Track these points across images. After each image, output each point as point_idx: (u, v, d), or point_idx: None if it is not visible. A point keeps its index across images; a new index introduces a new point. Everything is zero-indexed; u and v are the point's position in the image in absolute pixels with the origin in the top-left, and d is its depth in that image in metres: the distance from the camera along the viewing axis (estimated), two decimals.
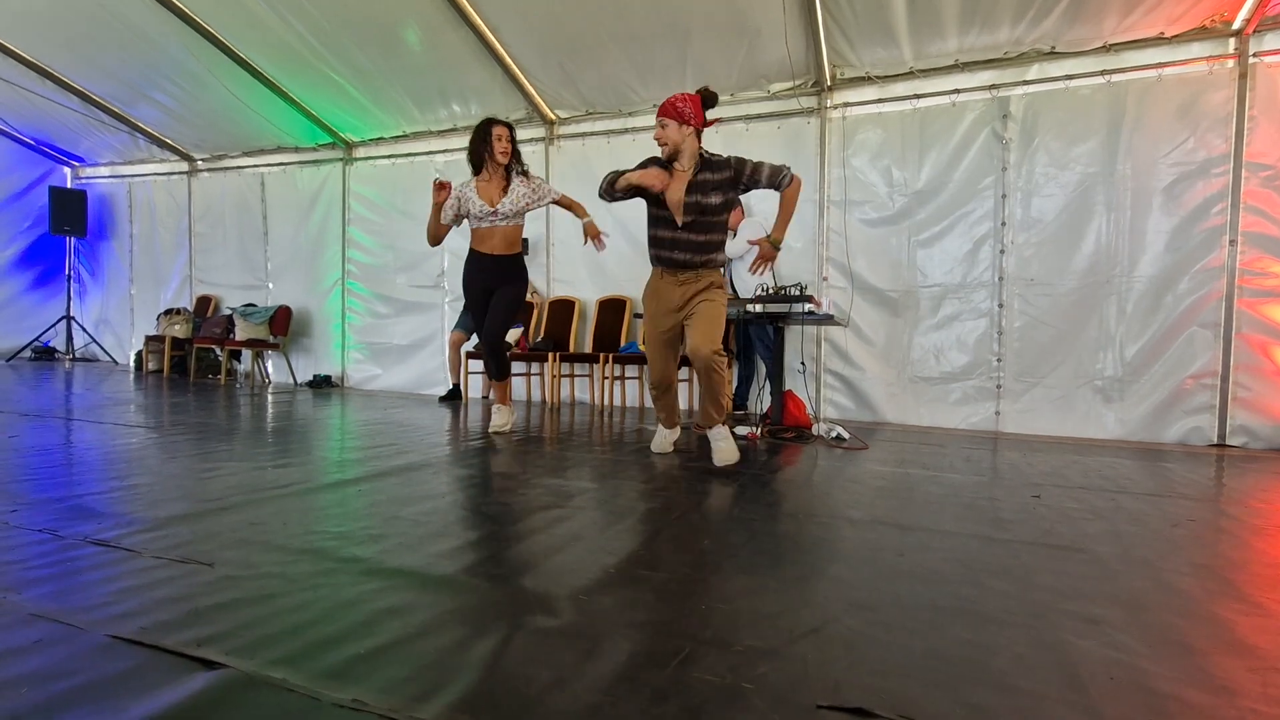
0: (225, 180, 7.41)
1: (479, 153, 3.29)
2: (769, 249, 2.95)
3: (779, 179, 2.80)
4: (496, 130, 3.28)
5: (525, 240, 5.86)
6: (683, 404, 5.28)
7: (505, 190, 3.31)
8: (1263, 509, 2.40)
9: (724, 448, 2.86)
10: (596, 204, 3.19)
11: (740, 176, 2.78)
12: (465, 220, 3.44)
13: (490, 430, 3.67)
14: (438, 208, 3.29)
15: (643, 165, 2.85)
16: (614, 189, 2.80)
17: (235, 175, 7.35)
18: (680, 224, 2.81)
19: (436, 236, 3.43)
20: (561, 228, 5.75)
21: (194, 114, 6.65)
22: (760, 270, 3.04)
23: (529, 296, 5.83)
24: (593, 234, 3.40)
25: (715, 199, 2.77)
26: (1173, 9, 3.93)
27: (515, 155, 3.39)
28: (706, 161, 2.79)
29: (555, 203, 3.53)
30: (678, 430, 3.21)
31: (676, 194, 2.78)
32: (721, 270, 2.97)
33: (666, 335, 2.96)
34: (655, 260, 2.96)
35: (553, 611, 1.28)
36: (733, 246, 4.63)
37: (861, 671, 1.08)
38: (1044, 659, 1.14)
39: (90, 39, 5.69)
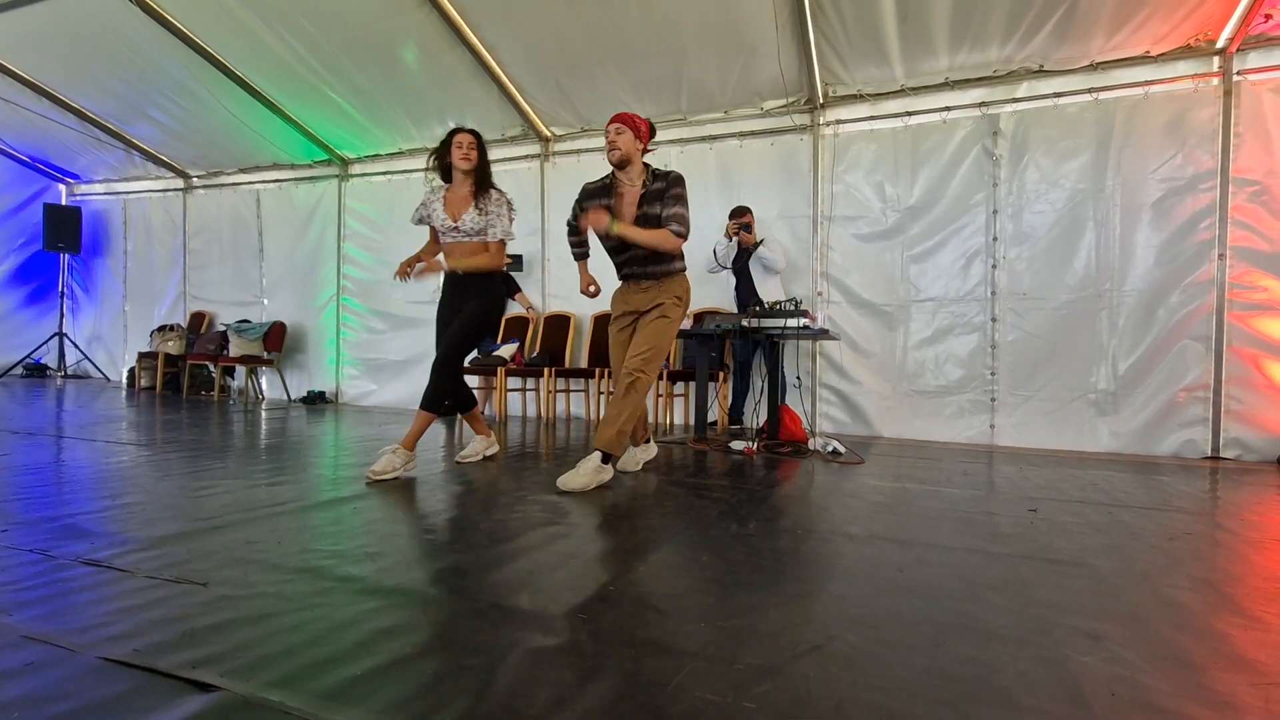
0: (221, 197, 7.42)
1: (444, 160, 3.06)
2: (602, 224, 2.69)
3: (668, 224, 2.71)
4: (458, 138, 3.02)
5: (519, 256, 5.93)
6: (652, 417, 5.27)
7: (473, 204, 3.01)
8: (1258, 522, 2.41)
9: (576, 472, 2.58)
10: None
11: (666, 192, 2.75)
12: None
13: (457, 458, 3.29)
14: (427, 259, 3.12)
15: (586, 197, 2.90)
16: (575, 236, 3.03)
17: (231, 192, 7.36)
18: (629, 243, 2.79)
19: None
20: (558, 244, 5.77)
21: (191, 131, 6.68)
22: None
23: (524, 311, 5.85)
24: (525, 304, 3.29)
25: (658, 209, 2.74)
26: (1158, 28, 4.01)
27: (481, 168, 3.05)
28: (655, 173, 2.82)
29: (493, 239, 3.05)
30: (646, 446, 3.14)
31: (628, 212, 2.79)
32: (678, 274, 2.88)
33: (624, 336, 2.93)
34: (619, 277, 2.98)
35: (551, 630, 1.27)
36: (770, 255, 4.66)
37: (864, 690, 1.07)
38: (1046, 675, 1.14)
39: (89, 58, 5.72)
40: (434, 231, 3.14)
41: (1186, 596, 1.57)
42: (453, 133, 3.05)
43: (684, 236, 2.73)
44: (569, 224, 3.08)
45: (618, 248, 2.86)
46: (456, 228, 3.01)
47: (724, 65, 4.79)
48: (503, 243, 3.06)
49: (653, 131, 2.86)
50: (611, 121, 2.78)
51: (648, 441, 3.18)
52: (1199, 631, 1.36)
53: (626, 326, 2.94)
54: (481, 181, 3.05)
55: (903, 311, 4.77)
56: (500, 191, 3.08)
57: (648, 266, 2.83)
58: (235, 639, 1.19)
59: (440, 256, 3.12)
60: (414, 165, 6.38)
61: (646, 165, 2.84)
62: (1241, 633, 1.36)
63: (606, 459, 2.65)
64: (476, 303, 3.04)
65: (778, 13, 4.27)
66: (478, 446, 3.32)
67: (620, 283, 3.01)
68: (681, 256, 2.89)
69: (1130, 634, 1.33)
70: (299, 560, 1.65)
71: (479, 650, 1.17)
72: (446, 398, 3.02)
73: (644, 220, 2.75)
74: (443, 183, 3.12)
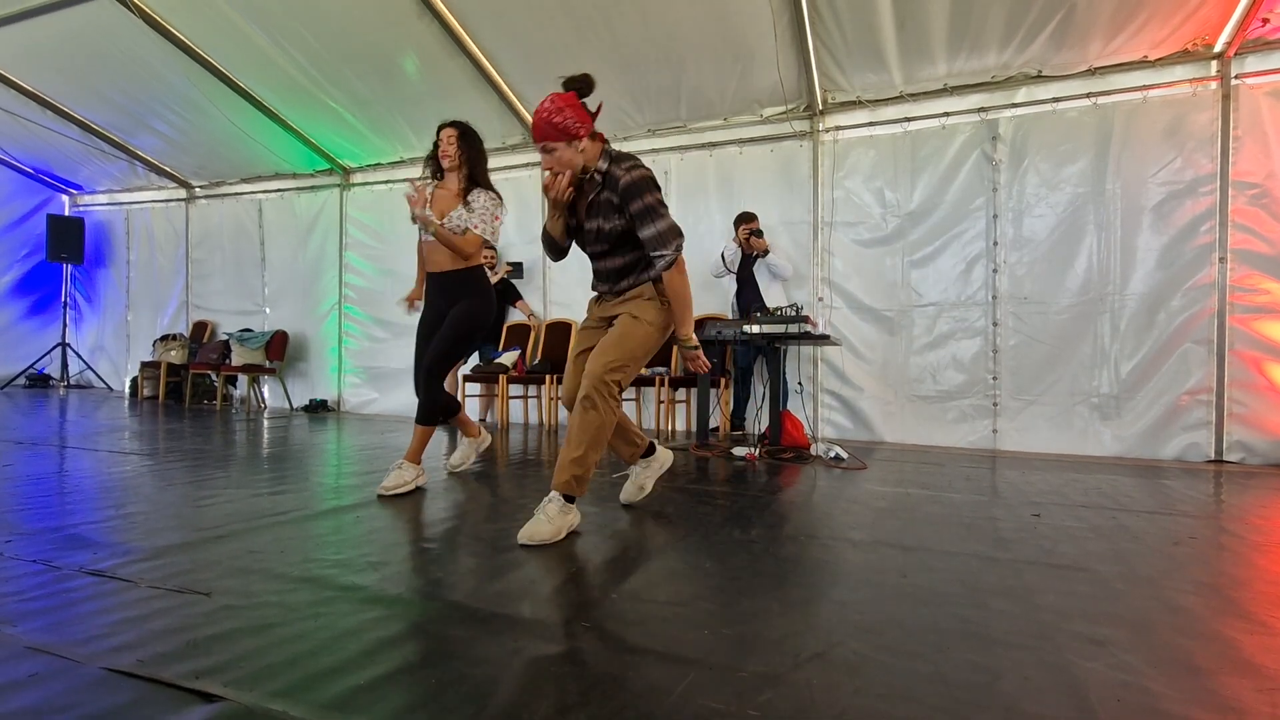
0: (223, 207, 7.46)
1: (431, 156, 2.91)
2: (691, 355, 2.30)
3: (654, 251, 2.10)
4: (441, 132, 2.85)
5: (520, 264, 5.94)
6: (645, 424, 5.26)
7: (461, 203, 2.81)
8: (1263, 525, 2.40)
9: (537, 521, 2.01)
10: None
11: (624, 206, 2.13)
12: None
13: (446, 467, 3.20)
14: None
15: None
16: (547, 237, 2.33)
17: (233, 202, 7.39)
18: (590, 254, 2.33)
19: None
20: None
21: (193, 142, 6.71)
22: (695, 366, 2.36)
23: (525, 319, 5.85)
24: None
25: (613, 223, 2.16)
26: (1156, 33, 4.02)
27: (470, 162, 2.83)
28: (604, 175, 2.17)
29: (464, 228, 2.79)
30: (657, 458, 2.56)
31: (580, 216, 2.28)
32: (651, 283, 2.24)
33: (579, 351, 2.35)
34: (591, 287, 2.43)
35: (554, 639, 1.27)
36: (780, 264, 4.67)
37: (868, 697, 1.07)
38: (1051, 681, 1.14)
39: (92, 70, 5.76)
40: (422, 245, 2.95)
41: (1191, 601, 1.56)
42: (439, 127, 2.88)
43: (679, 256, 2.12)
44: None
45: (591, 255, 2.32)
46: (441, 225, 2.75)
47: (723, 73, 4.81)
48: (479, 239, 2.79)
49: (581, 92, 2.20)
50: (536, 142, 2.17)
51: (650, 454, 2.54)
52: (1204, 636, 1.35)
53: (587, 345, 2.31)
54: (473, 177, 2.84)
55: (904, 316, 4.77)
56: (493, 192, 2.85)
57: (616, 281, 2.26)
58: (238, 649, 1.19)
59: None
60: (415, 174, 6.37)
61: (606, 152, 2.21)
62: (1247, 637, 1.35)
63: (570, 499, 2.11)
64: (464, 305, 2.85)
65: (776, 20, 4.29)
66: (466, 451, 3.19)
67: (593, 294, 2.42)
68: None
69: (1135, 639, 1.33)
70: (302, 570, 1.65)
71: (482, 659, 1.17)
72: (441, 408, 2.90)
73: (595, 237, 2.20)
74: (433, 180, 2.93)
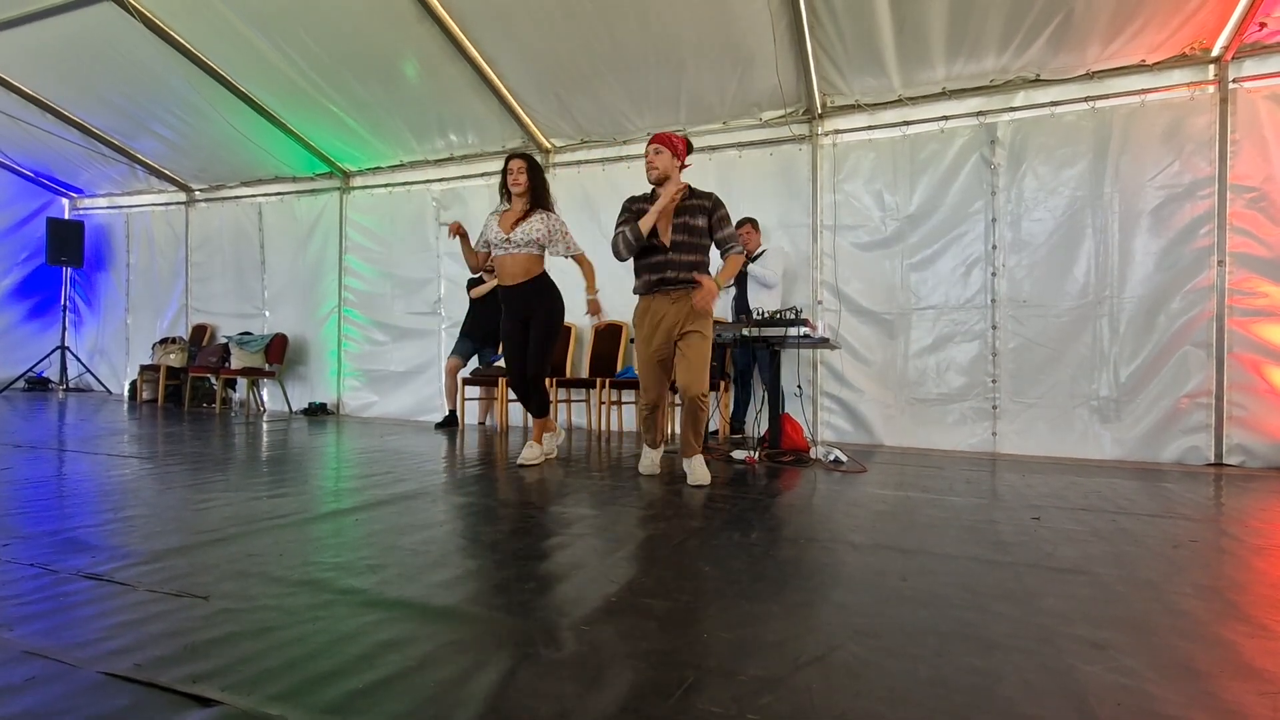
0: (223, 210, 7.46)
1: (503, 184, 3.47)
2: (712, 288, 2.98)
3: (729, 244, 3.09)
4: (511, 163, 3.43)
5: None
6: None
7: (524, 220, 3.39)
8: (1263, 529, 2.40)
9: (699, 470, 3.05)
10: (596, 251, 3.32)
11: (714, 213, 3.07)
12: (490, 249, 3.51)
13: (520, 462, 3.49)
14: (464, 244, 3.53)
15: (629, 211, 3.12)
16: (639, 236, 2.99)
17: (233, 205, 7.40)
18: (670, 244, 3.03)
19: (474, 266, 3.64)
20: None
21: (193, 145, 6.72)
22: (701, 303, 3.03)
23: None
24: (595, 310, 3.63)
25: (700, 221, 3.04)
26: (1153, 37, 4.03)
27: (534, 188, 3.42)
28: (692, 191, 3.06)
29: (571, 257, 3.52)
30: (661, 449, 3.35)
31: (666, 224, 3.05)
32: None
33: (659, 354, 3.10)
34: (646, 287, 3.11)
35: (554, 642, 1.26)
36: (763, 273, 4.69)
37: (867, 700, 1.07)
38: (1051, 685, 1.13)
39: (93, 73, 5.77)
40: (467, 247, 3.53)
41: (1192, 604, 1.56)
42: (507, 158, 3.45)
43: (741, 251, 3.11)
44: (624, 233, 3.05)
45: (657, 249, 3.04)
46: (509, 239, 3.36)
47: (722, 76, 4.82)
48: (581, 251, 3.54)
49: (690, 148, 3.11)
50: (651, 142, 3.04)
51: (664, 446, 3.45)
52: (1205, 640, 1.35)
53: (662, 346, 3.08)
54: (536, 201, 3.42)
55: (903, 319, 4.78)
56: (554, 212, 3.50)
57: (689, 271, 3.02)
58: (237, 653, 1.18)
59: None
60: (415, 178, 6.42)
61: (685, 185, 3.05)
62: (1248, 641, 1.35)
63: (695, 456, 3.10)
64: (548, 306, 3.44)
65: (775, 24, 4.30)
66: (550, 445, 3.71)
67: (642, 294, 3.14)
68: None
69: (1135, 643, 1.32)
70: (301, 573, 1.64)
71: (481, 663, 1.17)
72: (547, 399, 3.63)
73: (684, 230, 3.01)
74: (505, 205, 3.50)
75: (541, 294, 3.45)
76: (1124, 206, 4.25)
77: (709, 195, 3.09)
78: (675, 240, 3.02)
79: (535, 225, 3.38)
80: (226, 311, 7.41)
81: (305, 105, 5.78)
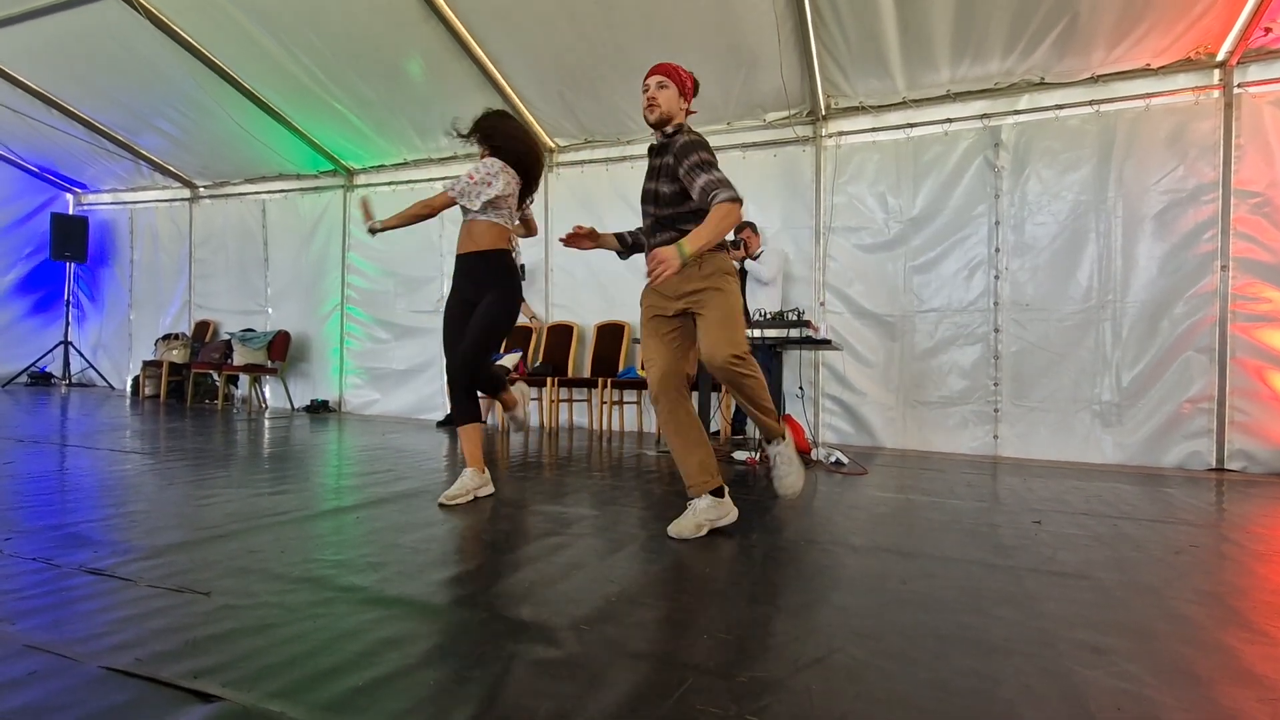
0: (227, 207, 7.48)
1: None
2: (666, 254, 1.96)
3: (710, 192, 2.08)
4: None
5: (522, 265, 5.94)
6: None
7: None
8: (1264, 534, 2.39)
9: (784, 473, 2.29)
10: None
11: (679, 165, 2.17)
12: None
13: (442, 501, 2.58)
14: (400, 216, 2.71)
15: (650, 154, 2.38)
16: (621, 250, 2.54)
17: (237, 202, 7.41)
18: (647, 230, 2.40)
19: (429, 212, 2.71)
20: (561, 253, 5.79)
21: (198, 142, 6.74)
22: (654, 275, 2.00)
23: (528, 321, 5.85)
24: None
25: (668, 188, 2.24)
26: (1158, 41, 4.03)
27: (485, 132, 2.81)
28: (652, 147, 2.35)
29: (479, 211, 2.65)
30: (723, 495, 2.28)
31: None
32: (718, 251, 2.25)
33: (664, 332, 2.29)
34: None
35: (553, 642, 1.26)
36: (759, 269, 4.67)
37: (867, 703, 1.07)
38: (1051, 689, 1.13)
39: (98, 69, 5.79)
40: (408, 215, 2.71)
41: (1192, 610, 1.56)
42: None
43: (738, 200, 2.05)
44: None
45: (640, 243, 2.46)
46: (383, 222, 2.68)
47: (726, 77, 4.82)
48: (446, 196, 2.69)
49: (696, 88, 2.32)
50: (652, 73, 2.24)
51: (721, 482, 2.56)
52: (1205, 645, 1.35)
53: (668, 319, 2.28)
54: (494, 150, 2.85)
55: (906, 322, 4.77)
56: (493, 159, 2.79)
57: (680, 226, 2.23)
58: (237, 649, 1.19)
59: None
60: (419, 175, 6.42)
61: (681, 128, 2.27)
62: (1249, 647, 1.35)
63: (777, 439, 2.40)
64: (498, 293, 2.64)
65: (780, 25, 4.30)
66: (518, 414, 2.99)
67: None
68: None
69: (1136, 648, 1.32)
70: (301, 570, 1.65)
71: (481, 662, 1.17)
72: (475, 401, 2.72)
73: (653, 199, 2.29)
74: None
75: (495, 271, 2.66)
76: (1128, 211, 4.24)
77: (670, 142, 2.23)
78: (649, 223, 2.33)
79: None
80: (229, 308, 7.42)
81: (310, 103, 5.79)
